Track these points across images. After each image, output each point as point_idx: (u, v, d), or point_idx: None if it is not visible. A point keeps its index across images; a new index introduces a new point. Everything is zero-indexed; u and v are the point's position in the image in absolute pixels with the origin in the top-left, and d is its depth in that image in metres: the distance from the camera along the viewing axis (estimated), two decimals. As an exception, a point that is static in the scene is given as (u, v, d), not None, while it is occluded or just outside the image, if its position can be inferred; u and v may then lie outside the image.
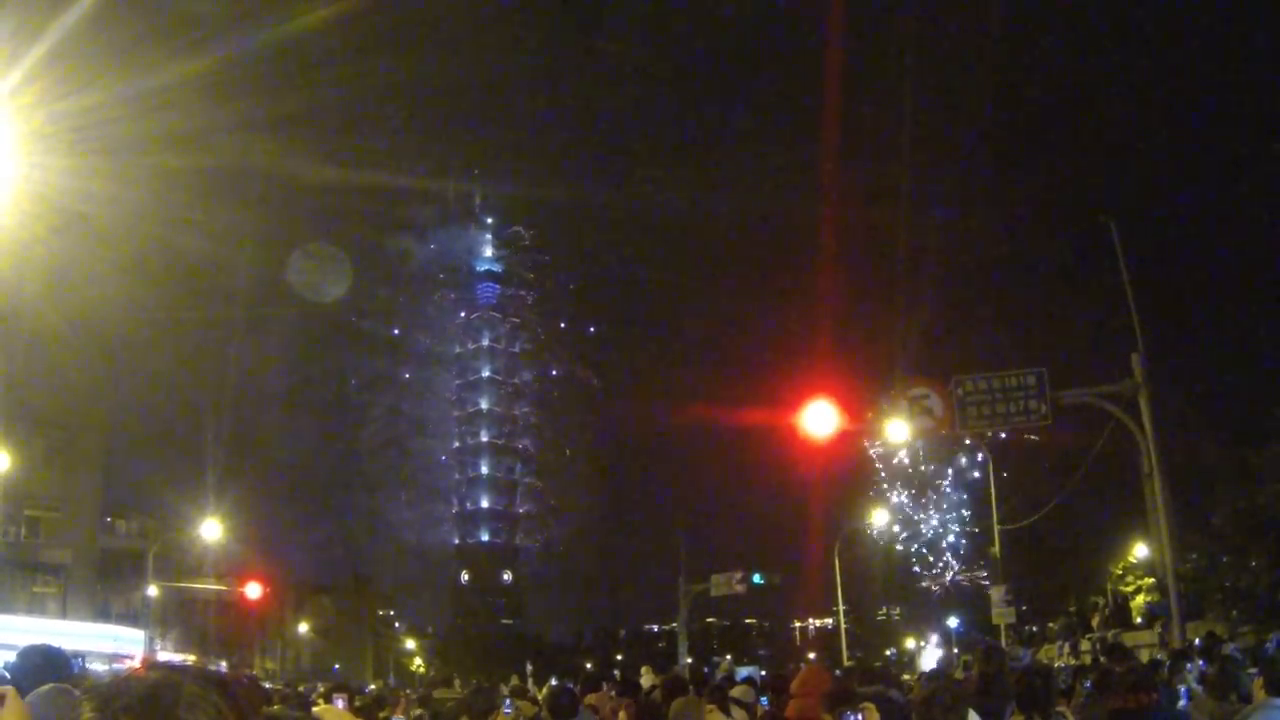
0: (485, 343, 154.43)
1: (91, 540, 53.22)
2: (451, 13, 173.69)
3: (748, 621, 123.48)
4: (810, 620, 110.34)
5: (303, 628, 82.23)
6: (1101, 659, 15.99)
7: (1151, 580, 29.79)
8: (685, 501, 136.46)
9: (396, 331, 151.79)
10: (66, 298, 43.56)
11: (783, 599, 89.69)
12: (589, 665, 72.98)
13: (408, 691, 22.40)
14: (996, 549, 33.33)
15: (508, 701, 11.20)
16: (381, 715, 13.42)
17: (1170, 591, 18.69)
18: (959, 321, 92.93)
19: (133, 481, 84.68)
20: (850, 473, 54.62)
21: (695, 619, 73.27)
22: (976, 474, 52.22)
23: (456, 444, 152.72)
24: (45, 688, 4.51)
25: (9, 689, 3.24)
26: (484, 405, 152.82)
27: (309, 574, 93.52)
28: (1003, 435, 29.88)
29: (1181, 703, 9.46)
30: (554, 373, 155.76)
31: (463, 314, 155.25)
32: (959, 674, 16.81)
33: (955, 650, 50.14)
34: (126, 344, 57.53)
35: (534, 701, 14.36)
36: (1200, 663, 12.05)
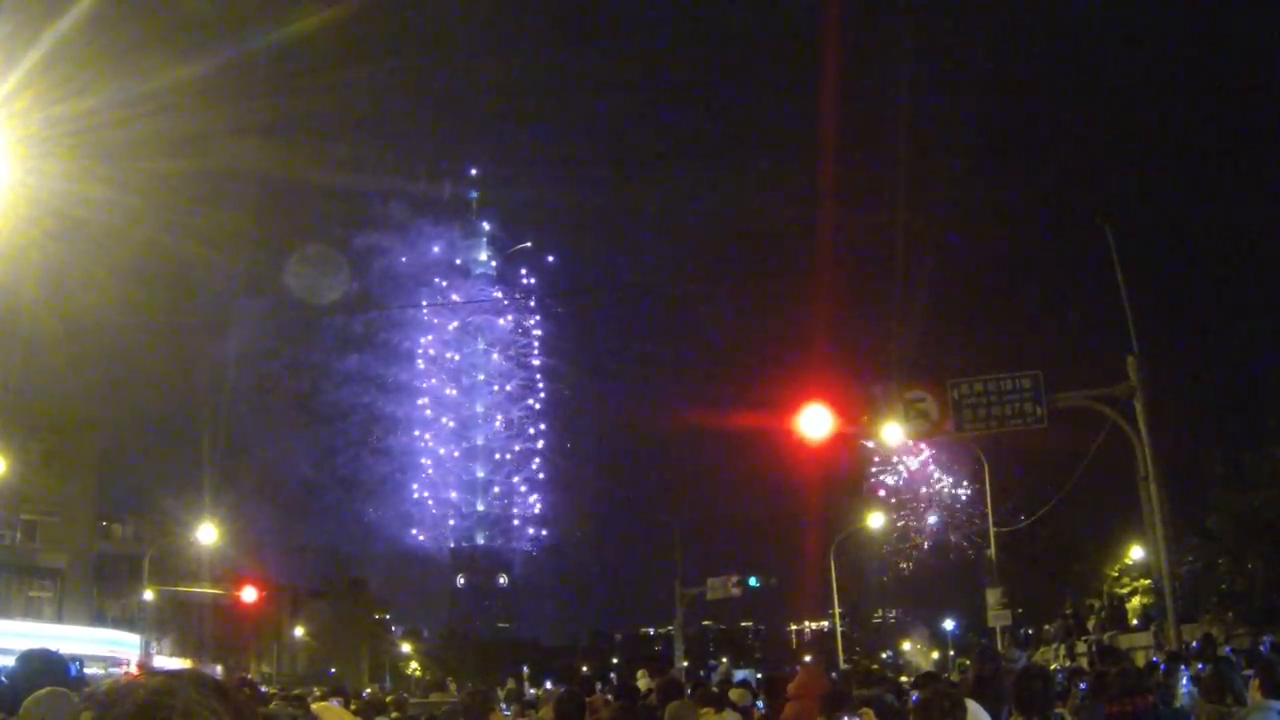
0: (482, 346, 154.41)
1: (88, 544, 53.09)
2: (447, 19, 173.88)
3: (744, 625, 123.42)
4: (806, 623, 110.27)
5: (299, 631, 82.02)
6: (1097, 662, 16.00)
7: (1147, 583, 29.79)
8: (681, 505, 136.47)
9: (394, 336, 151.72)
10: (63, 302, 43.57)
11: (779, 602, 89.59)
12: (584, 669, 72.83)
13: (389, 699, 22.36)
14: (992, 551, 33.26)
15: (505, 707, 11.17)
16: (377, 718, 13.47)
17: (1166, 594, 18.67)
18: (955, 324, 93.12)
19: (129, 485, 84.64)
20: (847, 475, 54.45)
21: (691, 622, 73.20)
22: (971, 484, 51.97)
23: (452, 448, 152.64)
24: (43, 691, 4.52)
25: None
26: (479, 409, 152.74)
27: (305, 578, 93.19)
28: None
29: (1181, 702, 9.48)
30: (550, 377, 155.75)
31: (461, 318, 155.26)
32: (955, 676, 16.81)
33: (951, 653, 50.14)
34: (122, 348, 57.54)
35: (531, 705, 14.35)
36: (1197, 665, 12.08)
